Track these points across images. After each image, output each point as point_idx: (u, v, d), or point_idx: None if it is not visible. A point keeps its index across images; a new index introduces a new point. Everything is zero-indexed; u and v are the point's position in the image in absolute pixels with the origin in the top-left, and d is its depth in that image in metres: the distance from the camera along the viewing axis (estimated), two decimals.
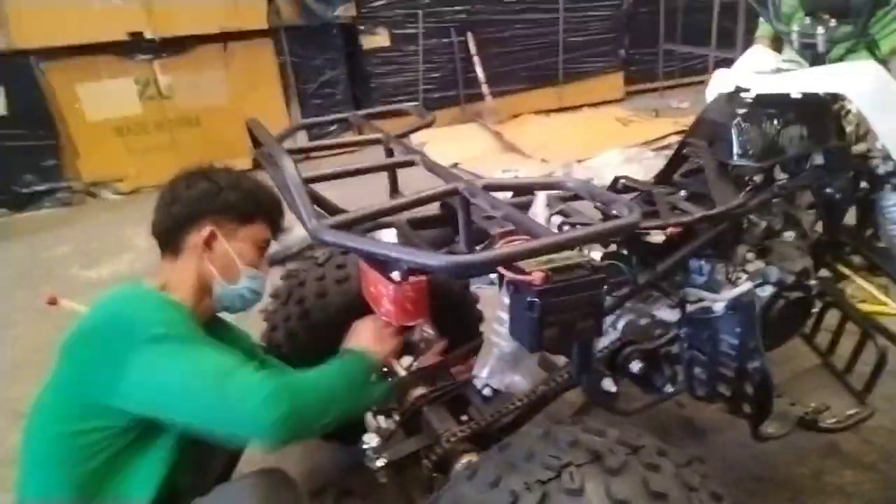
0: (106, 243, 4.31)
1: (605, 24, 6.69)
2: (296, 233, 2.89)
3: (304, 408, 1.21)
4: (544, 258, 1.10)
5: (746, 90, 1.66)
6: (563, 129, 5.89)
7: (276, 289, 1.94)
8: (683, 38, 6.75)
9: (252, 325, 1.86)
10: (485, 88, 6.31)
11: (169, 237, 1.38)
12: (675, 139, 5.17)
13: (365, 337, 1.54)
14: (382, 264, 1.11)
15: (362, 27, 5.85)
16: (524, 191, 1.38)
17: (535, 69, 6.59)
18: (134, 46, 5.02)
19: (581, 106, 6.61)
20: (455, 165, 5.05)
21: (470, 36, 6.21)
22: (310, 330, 1.80)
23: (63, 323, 3.50)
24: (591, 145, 5.10)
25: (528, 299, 1.06)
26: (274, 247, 1.61)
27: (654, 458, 1.06)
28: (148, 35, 5.01)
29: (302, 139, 5.77)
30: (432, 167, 1.24)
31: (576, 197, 1.72)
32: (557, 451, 1.04)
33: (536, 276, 1.04)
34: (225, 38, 5.29)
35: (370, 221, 1.07)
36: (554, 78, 6.66)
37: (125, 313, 1.25)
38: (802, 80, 1.59)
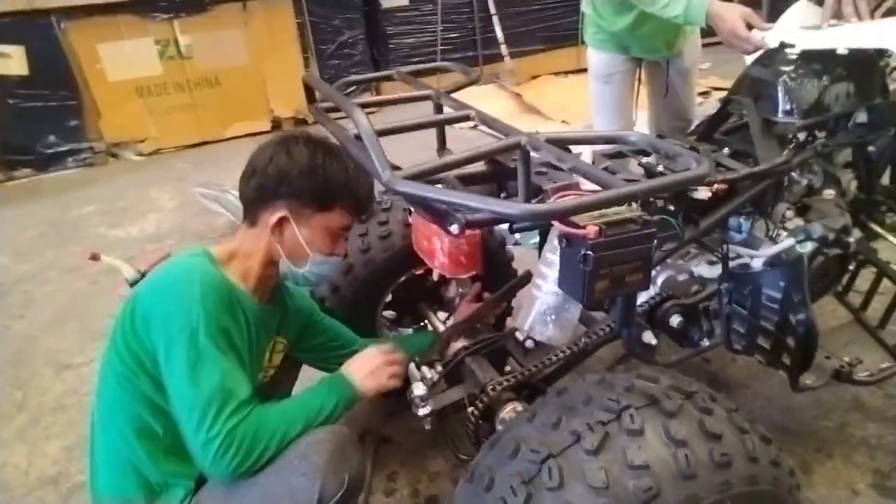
0: (131, 203, 4.37)
1: None
2: None
3: (263, 452, 1.22)
4: (597, 213, 1.13)
5: (791, 46, 1.66)
6: (583, 90, 5.82)
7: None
8: None
9: None
10: (503, 49, 6.24)
11: (247, 207, 1.38)
12: (697, 100, 5.12)
13: (361, 368, 1.48)
14: (441, 217, 1.13)
15: None
16: (586, 144, 1.38)
17: (554, 29, 6.50)
18: (154, 6, 4.98)
19: None
20: (474, 127, 5.03)
21: None
22: (353, 284, 1.84)
23: (95, 279, 3.59)
24: None
25: (582, 252, 1.09)
26: None
27: (708, 403, 1.10)
28: None
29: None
30: (488, 122, 1.26)
31: (619, 155, 1.75)
32: (616, 396, 1.09)
33: (591, 230, 1.06)
34: None
35: (442, 172, 1.09)
36: (573, 38, 6.55)
37: (168, 300, 1.24)
38: (849, 36, 1.59)
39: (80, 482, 1.96)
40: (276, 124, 5.59)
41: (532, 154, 1.16)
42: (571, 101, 5.42)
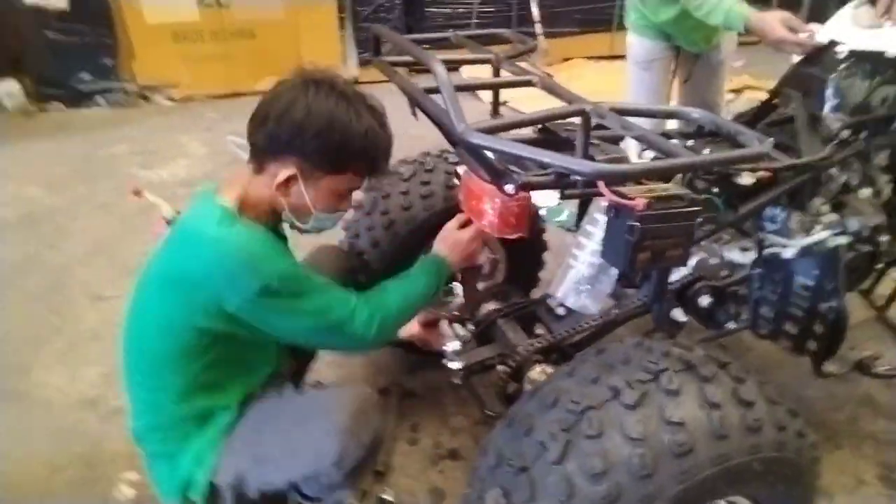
0: (161, 147, 4.41)
1: None
2: None
3: (391, 323, 1.42)
4: (644, 187, 1.18)
5: (841, 44, 1.69)
6: (616, 76, 5.80)
7: (359, 200, 2.02)
8: None
9: None
10: (538, 28, 6.20)
11: (254, 151, 1.30)
12: (728, 96, 5.10)
13: (445, 245, 1.58)
14: (499, 176, 1.18)
15: None
16: (649, 116, 1.42)
17: (591, 13, 6.44)
18: None
19: None
20: (504, 103, 5.03)
21: None
22: (393, 239, 1.90)
23: (126, 217, 3.65)
24: None
25: (629, 223, 1.14)
26: None
27: (741, 373, 1.16)
28: None
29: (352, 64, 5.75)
30: (551, 87, 1.31)
31: (664, 136, 1.79)
32: (654, 358, 1.15)
33: (640, 202, 1.11)
34: None
35: (512, 129, 1.14)
36: (608, 23, 6.51)
37: (229, 263, 1.21)
38: None
39: (118, 407, 2.04)
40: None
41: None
42: (604, 87, 5.39)
